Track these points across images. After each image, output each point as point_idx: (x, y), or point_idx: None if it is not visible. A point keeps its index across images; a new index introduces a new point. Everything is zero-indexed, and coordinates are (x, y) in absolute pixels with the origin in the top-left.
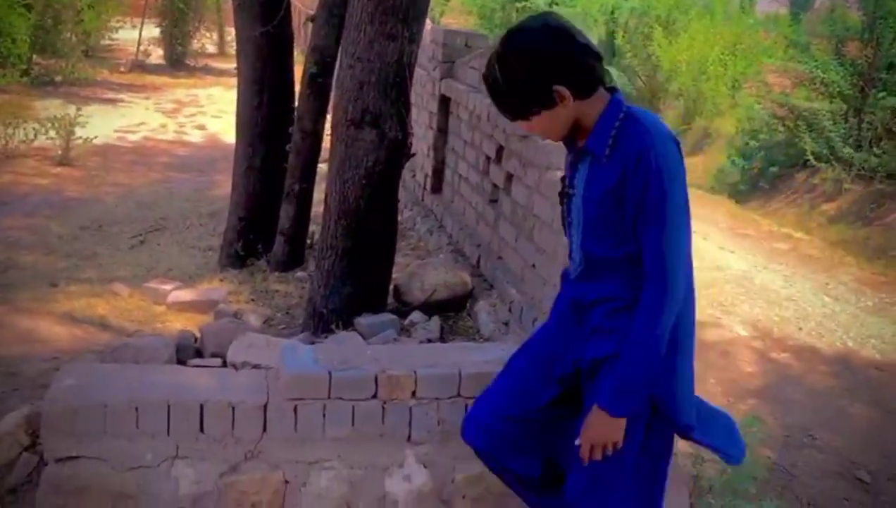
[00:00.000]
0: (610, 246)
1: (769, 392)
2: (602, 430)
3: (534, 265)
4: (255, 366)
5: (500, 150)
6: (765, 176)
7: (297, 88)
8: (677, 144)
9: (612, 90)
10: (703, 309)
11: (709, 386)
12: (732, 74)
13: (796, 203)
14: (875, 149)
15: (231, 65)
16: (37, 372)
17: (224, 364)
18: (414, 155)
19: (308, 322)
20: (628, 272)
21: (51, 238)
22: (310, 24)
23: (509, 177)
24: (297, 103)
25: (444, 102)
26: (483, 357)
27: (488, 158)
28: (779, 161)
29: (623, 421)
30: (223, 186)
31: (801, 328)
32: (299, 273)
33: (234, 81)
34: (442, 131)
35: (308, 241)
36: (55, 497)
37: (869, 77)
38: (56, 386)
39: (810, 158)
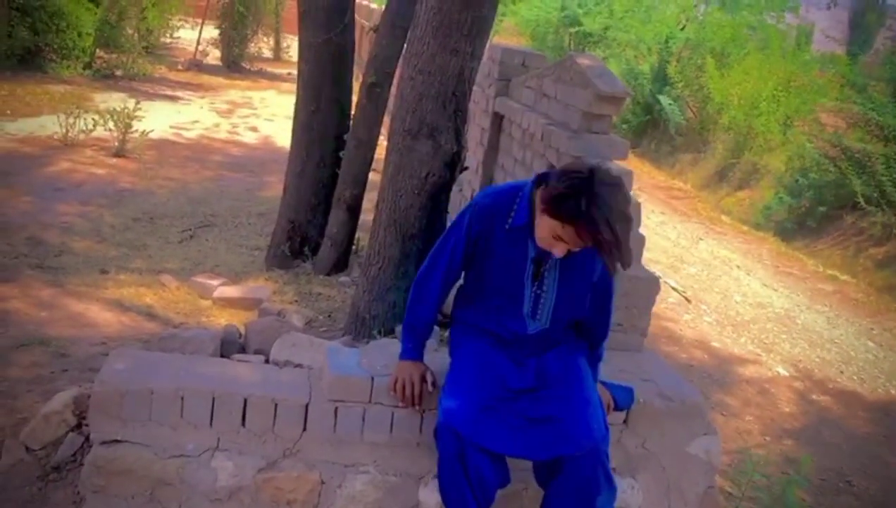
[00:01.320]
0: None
1: (807, 434)
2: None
3: None
4: (298, 365)
5: (550, 169)
6: (812, 215)
7: (354, 96)
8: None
9: None
10: (744, 345)
11: (746, 423)
12: (785, 111)
13: (843, 245)
14: None
15: (285, 70)
16: (86, 355)
17: (267, 361)
18: (467, 169)
19: (350, 326)
20: None
21: (103, 227)
22: (368, 35)
23: None
24: (353, 112)
25: (497, 120)
26: None
27: None
28: (828, 201)
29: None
30: (273, 187)
31: (842, 372)
32: (343, 278)
33: (287, 85)
34: (493, 148)
35: (353, 247)
36: (98, 478)
37: None
38: (106, 369)
39: (860, 200)
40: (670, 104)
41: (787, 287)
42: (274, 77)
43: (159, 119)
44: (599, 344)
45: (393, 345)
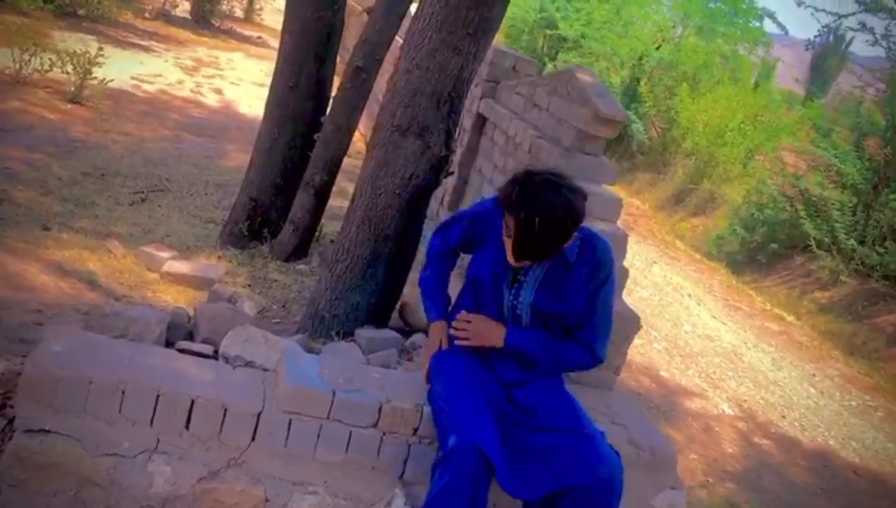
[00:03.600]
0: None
1: (748, 478)
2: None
3: None
4: (249, 362)
5: None
6: (763, 251)
7: (336, 79)
8: None
9: None
10: (692, 378)
11: (690, 461)
12: (749, 145)
13: (790, 285)
14: (878, 247)
15: (256, 33)
16: (18, 323)
17: (216, 353)
18: (452, 173)
19: (307, 323)
20: None
21: (50, 179)
22: (359, 17)
23: None
24: (334, 94)
25: (480, 122)
26: None
27: None
28: (780, 239)
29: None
30: (234, 157)
31: (784, 417)
32: (301, 266)
33: (256, 49)
34: (471, 151)
35: (316, 235)
36: (18, 470)
37: (884, 175)
38: (42, 350)
39: (812, 243)
40: (636, 122)
41: (735, 322)
42: (243, 38)
43: (120, 68)
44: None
45: (354, 352)
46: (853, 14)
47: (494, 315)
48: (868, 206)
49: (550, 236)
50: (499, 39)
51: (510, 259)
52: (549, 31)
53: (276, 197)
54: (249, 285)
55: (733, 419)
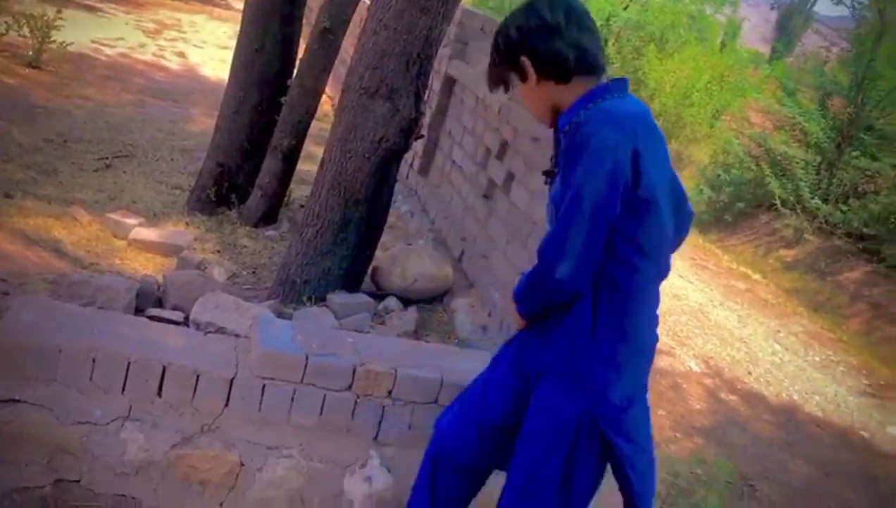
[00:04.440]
0: None
1: (715, 434)
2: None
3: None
4: (220, 328)
5: (504, 145)
6: (730, 211)
7: (303, 41)
8: (628, 144)
9: (615, 82)
10: (660, 336)
11: (658, 418)
12: (715, 105)
13: (755, 243)
14: (841, 205)
15: None
16: None
17: (186, 320)
18: (422, 137)
19: (278, 288)
20: None
21: (11, 145)
22: None
23: (510, 176)
24: (301, 57)
25: (449, 83)
26: (467, 365)
27: (489, 151)
28: (745, 199)
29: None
30: (200, 121)
31: (750, 373)
32: (270, 232)
33: (220, 11)
34: (441, 112)
35: (285, 200)
36: None
37: (847, 134)
38: (10, 318)
39: (777, 202)
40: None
41: (702, 281)
42: (206, 0)
43: (80, 31)
44: None
45: (327, 317)
46: None
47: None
48: (832, 164)
49: (494, 40)
50: (467, 0)
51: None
52: None
53: (244, 162)
54: (219, 252)
55: (700, 375)
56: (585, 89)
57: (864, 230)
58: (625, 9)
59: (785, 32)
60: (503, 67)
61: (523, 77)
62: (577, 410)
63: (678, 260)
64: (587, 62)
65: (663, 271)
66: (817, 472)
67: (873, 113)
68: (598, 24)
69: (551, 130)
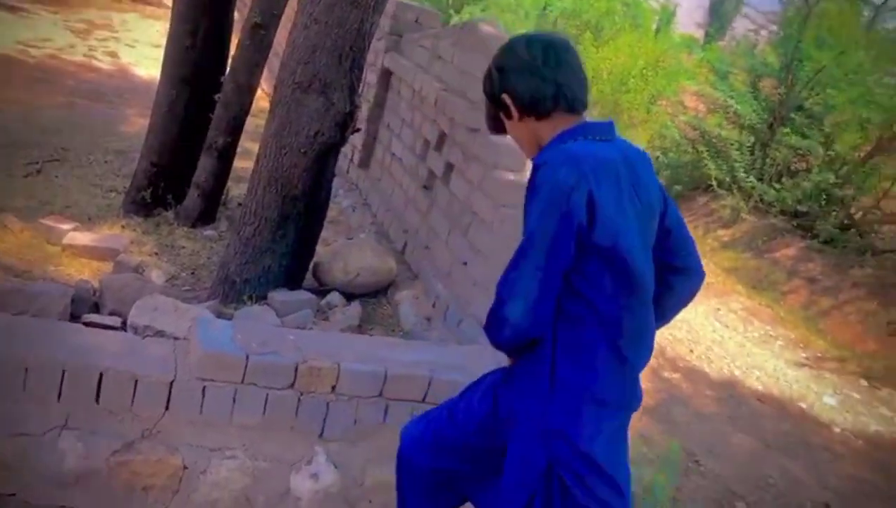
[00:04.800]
0: None
1: (659, 411)
2: None
3: (465, 264)
4: (159, 332)
5: (442, 136)
6: (668, 193)
7: (235, 36)
8: (585, 186)
9: (597, 123)
10: None
11: None
12: (651, 90)
13: (694, 225)
14: (775, 184)
15: None
16: None
17: (124, 324)
18: (359, 130)
19: (217, 288)
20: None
21: None
22: None
23: (449, 167)
24: (233, 52)
25: (385, 76)
26: (411, 358)
27: (427, 143)
28: (683, 181)
29: None
30: (134, 122)
31: (692, 351)
32: (208, 231)
33: (152, 10)
34: (379, 106)
35: (223, 198)
36: None
37: (779, 115)
38: None
39: (713, 183)
40: None
41: None
42: None
43: (3, 33)
44: None
45: (268, 315)
46: None
47: None
48: (765, 145)
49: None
50: None
51: None
52: None
53: (179, 161)
54: (156, 254)
55: None
56: (565, 126)
57: (798, 208)
58: None
59: (717, 17)
60: (491, 107)
61: (508, 114)
62: (541, 459)
63: None
64: (565, 99)
65: (637, 326)
66: (759, 444)
67: (802, 93)
68: (536, 13)
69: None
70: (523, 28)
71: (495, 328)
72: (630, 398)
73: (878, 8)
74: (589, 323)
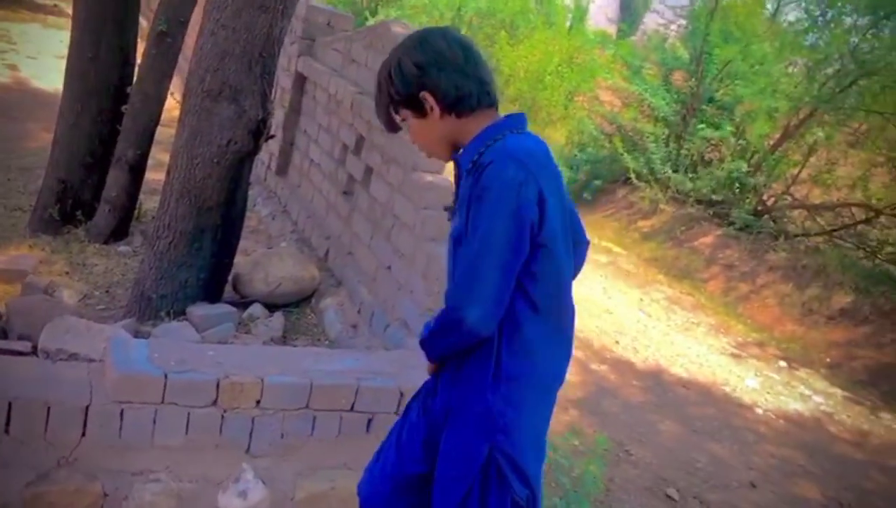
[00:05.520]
0: None
1: (588, 404)
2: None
3: (389, 267)
4: (72, 355)
5: (360, 140)
6: (588, 188)
7: (141, 45)
8: (534, 183)
9: (513, 117)
10: None
11: None
12: (567, 87)
13: (615, 217)
14: (690, 174)
15: (50, 1)
16: None
17: (35, 349)
18: (273, 137)
19: (133, 306)
20: None
21: None
22: None
23: (369, 170)
24: (139, 62)
25: (300, 81)
26: (337, 367)
27: (345, 147)
28: (603, 175)
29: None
30: (38, 137)
31: (618, 342)
32: (122, 247)
33: (53, 19)
34: (294, 111)
35: (136, 212)
36: None
37: (691, 107)
38: None
39: (632, 175)
40: None
41: None
42: (37, 8)
43: None
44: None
45: (187, 331)
46: None
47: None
48: (679, 136)
49: (385, 74)
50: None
51: None
52: None
53: (87, 176)
54: (67, 273)
55: None
56: (486, 123)
57: (713, 197)
58: None
59: (629, 12)
60: (398, 104)
61: (423, 113)
62: (483, 450)
63: None
64: (489, 95)
65: (566, 308)
66: (686, 429)
67: (713, 85)
68: (451, 14)
69: None
70: None
71: (451, 334)
72: (563, 378)
73: (780, 1)
74: (531, 316)
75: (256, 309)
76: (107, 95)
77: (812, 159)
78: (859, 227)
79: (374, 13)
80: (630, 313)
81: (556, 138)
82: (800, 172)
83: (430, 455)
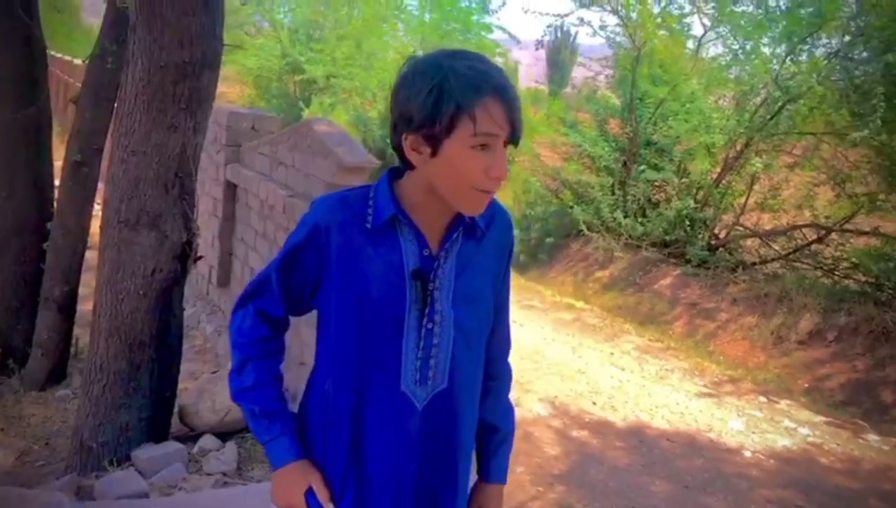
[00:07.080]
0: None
1: (575, 476)
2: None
3: None
4: None
5: None
6: (542, 247)
7: (57, 179)
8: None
9: None
10: None
11: (517, 476)
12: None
13: (572, 271)
14: (640, 218)
15: None
16: None
17: None
18: (201, 258)
19: (73, 458)
20: None
21: None
22: (70, 105)
23: None
24: (57, 195)
25: (231, 189)
26: None
27: None
28: (554, 231)
29: None
30: None
31: (594, 403)
32: (61, 391)
33: None
34: (228, 220)
35: (72, 351)
36: None
37: (631, 152)
38: None
39: (583, 227)
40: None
41: (531, 321)
42: None
43: None
44: (500, 361)
45: (133, 479)
46: (572, 12)
47: (386, 386)
48: (623, 182)
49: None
50: (247, 91)
51: None
52: (297, 77)
53: (16, 321)
54: (3, 430)
55: (548, 418)
56: None
57: (666, 237)
58: None
59: (557, 68)
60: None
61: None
62: None
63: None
64: None
65: None
66: (677, 487)
67: (648, 128)
68: (384, 94)
69: None
70: (374, 111)
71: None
72: None
73: (700, 39)
74: None
75: (207, 441)
76: (27, 234)
77: (756, 187)
78: (813, 247)
79: (307, 102)
80: (603, 370)
81: (503, 199)
82: (746, 200)
83: None
